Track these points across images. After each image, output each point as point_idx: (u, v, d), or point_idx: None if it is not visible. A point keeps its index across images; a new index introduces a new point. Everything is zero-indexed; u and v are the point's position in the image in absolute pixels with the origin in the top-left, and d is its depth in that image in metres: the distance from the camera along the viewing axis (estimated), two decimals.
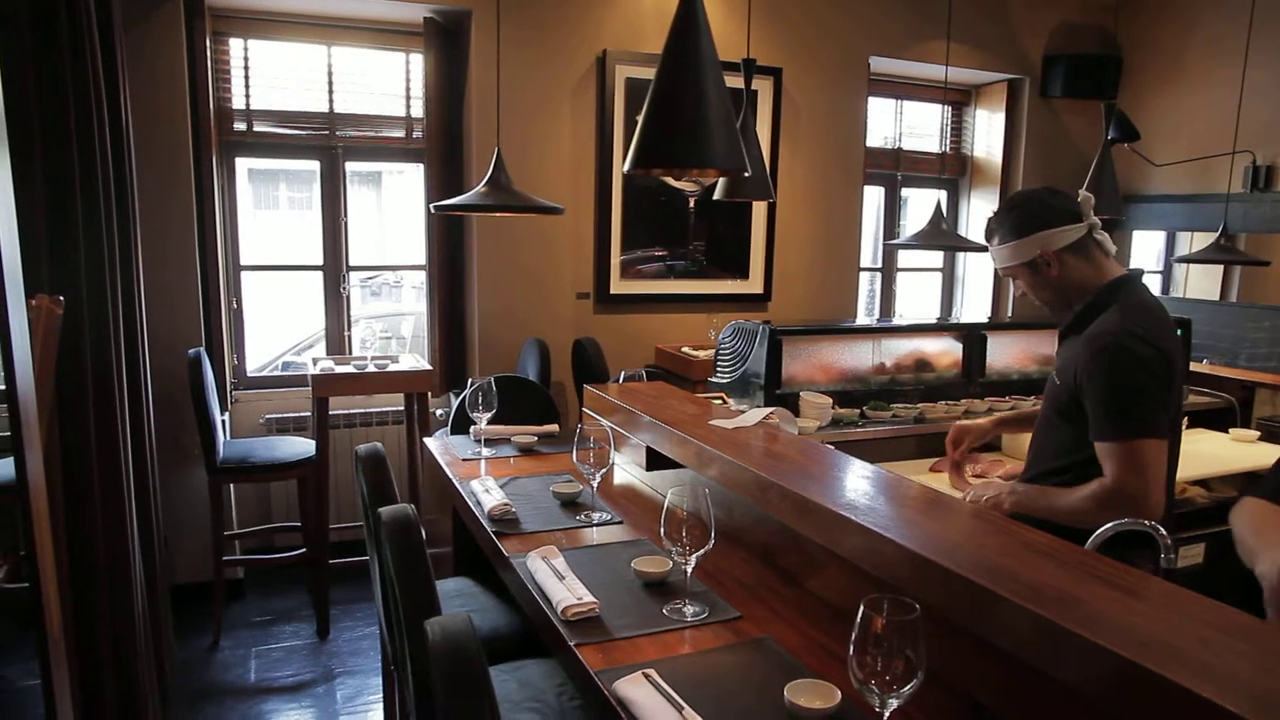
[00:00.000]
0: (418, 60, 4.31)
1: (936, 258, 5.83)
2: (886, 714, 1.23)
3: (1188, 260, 4.52)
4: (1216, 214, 5.05)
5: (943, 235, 3.43)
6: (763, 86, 4.69)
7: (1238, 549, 1.66)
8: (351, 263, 4.44)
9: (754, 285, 4.85)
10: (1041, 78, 5.47)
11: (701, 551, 1.75)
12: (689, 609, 1.74)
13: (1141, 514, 1.82)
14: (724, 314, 4.43)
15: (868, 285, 5.67)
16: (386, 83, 4.36)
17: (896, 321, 4.39)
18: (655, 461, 2.36)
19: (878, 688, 1.22)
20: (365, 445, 2.22)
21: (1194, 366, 4.70)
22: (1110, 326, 1.96)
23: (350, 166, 4.39)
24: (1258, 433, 3.63)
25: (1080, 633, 1.12)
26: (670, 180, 4.46)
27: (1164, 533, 1.58)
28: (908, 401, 3.24)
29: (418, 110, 4.37)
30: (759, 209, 4.80)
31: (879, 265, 5.66)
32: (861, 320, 5.19)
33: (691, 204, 4.60)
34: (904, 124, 5.64)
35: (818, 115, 4.91)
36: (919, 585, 1.37)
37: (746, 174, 1.54)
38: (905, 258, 5.78)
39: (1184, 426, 3.65)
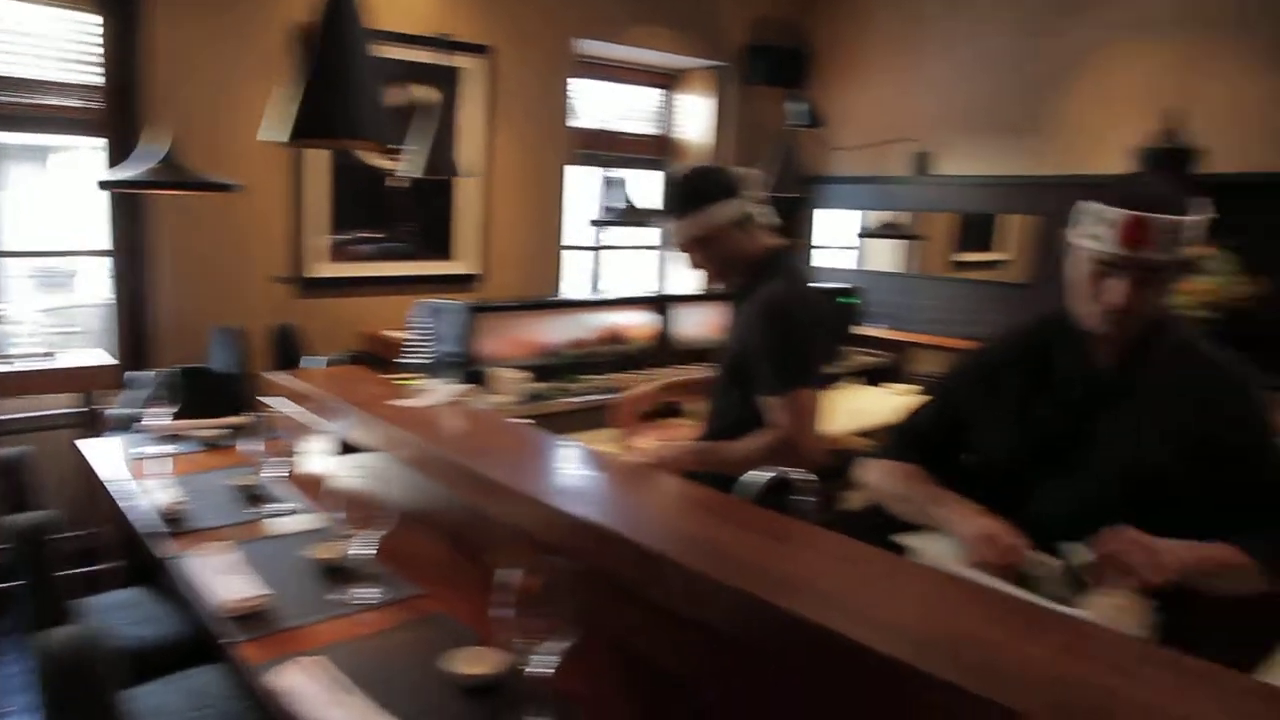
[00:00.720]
0: (93, 22, 3.85)
1: (654, 235, 6.06)
2: (540, 670, 1.27)
3: (863, 236, 5.01)
4: (892, 194, 5.62)
5: (637, 214, 3.57)
6: (475, 65, 4.65)
7: (892, 506, 1.83)
8: (12, 248, 3.93)
9: (469, 265, 4.81)
10: (745, 66, 5.80)
11: (380, 533, 1.72)
12: (366, 592, 1.71)
13: (806, 457, 2.00)
14: (439, 295, 4.36)
15: (591, 264, 5.79)
16: (54, 46, 3.86)
17: (589, 296, 4.48)
18: (348, 447, 2.29)
19: (529, 645, 1.25)
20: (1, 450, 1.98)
21: (869, 330, 5.26)
22: (774, 293, 2.13)
23: (9, 138, 3.85)
24: (913, 386, 4.09)
25: (733, 584, 1.17)
26: (367, 158, 4.31)
27: (810, 479, 1.74)
28: (604, 373, 3.36)
29: (92, 78, 3.91)
30: (471, 189, 4.75)
31: (597, 244, 5.80)
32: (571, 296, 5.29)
33: (404, 183, 4.47)
34: (620, 107, 5.80)
35: (529, 96, 4.93)
36: (597, 553, 1.39)
37: (389, 146, 1.52)
38: (624, 236, 5.97)
39: (864, 383, 4.13)
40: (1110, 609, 1.31)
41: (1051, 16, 4.92)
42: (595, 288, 5.81)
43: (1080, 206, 1.62)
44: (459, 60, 4.56)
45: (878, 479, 1.85)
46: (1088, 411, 1.65)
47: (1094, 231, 1.55)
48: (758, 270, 2.20)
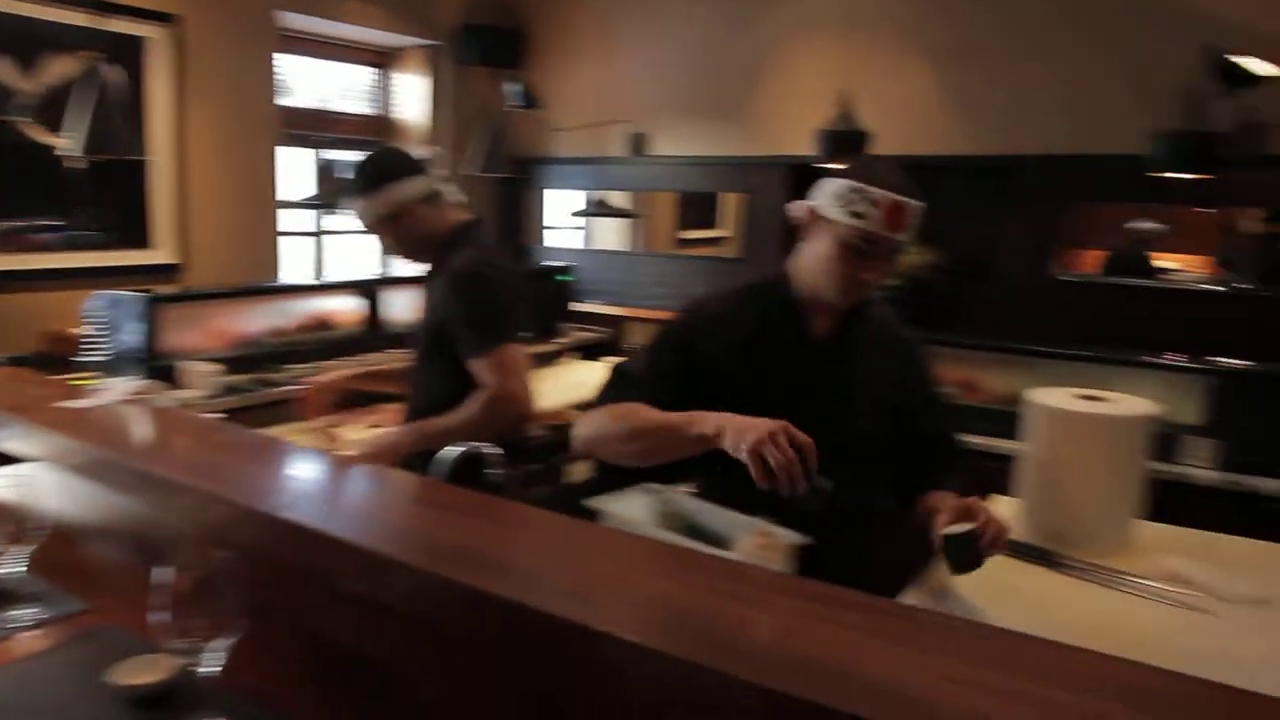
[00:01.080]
0: None
1: None
2: (208, 668, 1.21)
3: (576, 215, 5.15)
4: (611, 174, 5.78)
5: (336, 195, 3.45)
6: (160, 35, 4.26)
7: (618, 449, 1.76)
8: None
9: (166, 255, 4.41)
10: (459, 45, 5.73)
11: (30, 547, 1.57)
12: (20, 613, 1.55)
13: (522, 410, 2.07)
14: (136, 287, 3.97)
15: (314, 250, 5.50)
16: None
17: (287, 282, 4.27)
18: (5, 458, 2.05)
19: (197, 646, 1.19)
20: None
21: (590, 307, 5.45)
22: (465, 260, 2.19)
23: None
24: (625, 358, 4.30)
25: (407, 561, 1.17)
26: (33, 133, 3.85)
27: (497, 451, 1.77)
28: (309, 361, 3.24)
29: None
30: (165, 172, 4.37)
31: (319, 230, 5.52)
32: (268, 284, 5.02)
33: (80, 164, 4.02)
34: (333, 85, 5.56)
35: (227, 70, 4.59)
36: (274, 543, 1.35)
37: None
38: (350, 220, 5.73)
39: (581, 358, 4.24)
40: (756, 550, 1.44)
41: (747, 6, 5.27)
42: (319, 274, 5.55)
43: (831, 183, 1.69)
44: (140, 28, 4.18)
45: (595, 426, 1.78)
46: (806, 378, 1.76)
47: (857, 210, 1.63)
48: (447, 245, 2.24)
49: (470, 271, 2.16)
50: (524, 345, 2.19)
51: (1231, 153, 3.78)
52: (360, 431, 2.44)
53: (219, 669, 1.22)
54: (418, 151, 2.32)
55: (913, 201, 1.64)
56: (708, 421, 1.55)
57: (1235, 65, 3.48)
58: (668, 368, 1.78)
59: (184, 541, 1.52)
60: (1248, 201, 4.16)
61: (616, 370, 1.87)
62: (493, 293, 2.16)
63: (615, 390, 1.80)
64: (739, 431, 1.48)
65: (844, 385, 1.77)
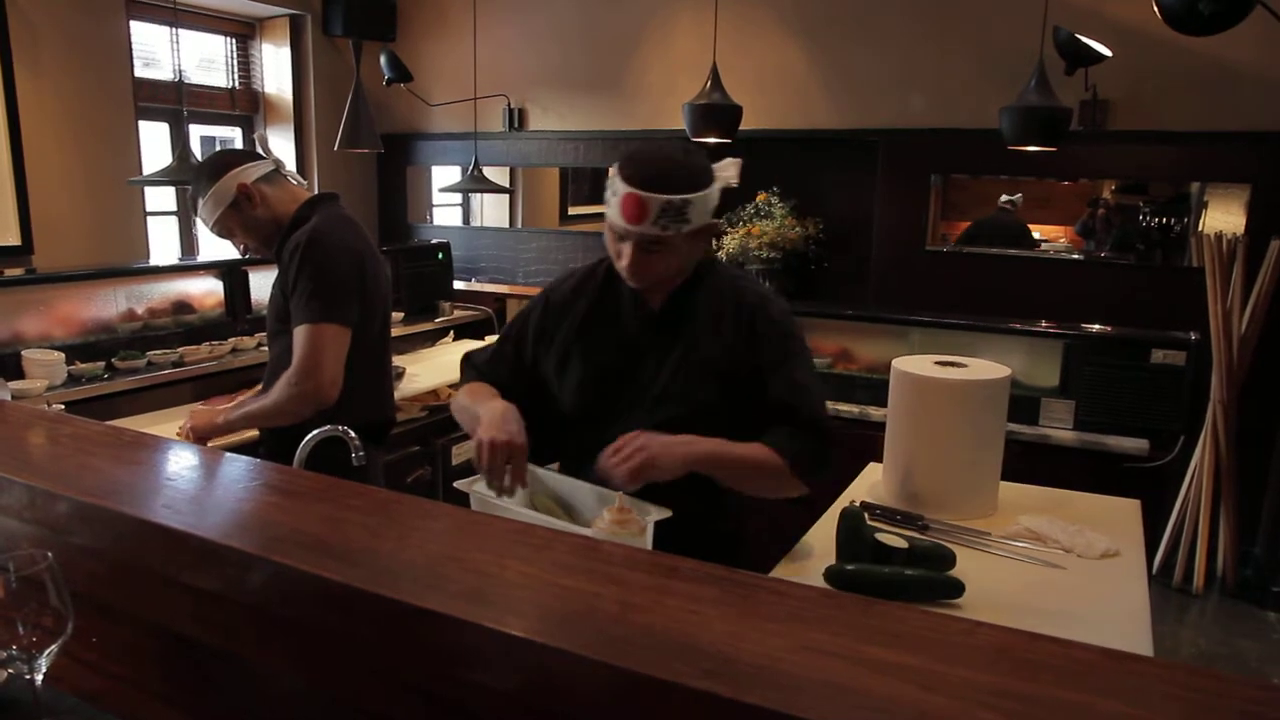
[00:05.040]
0: None
1: None
2: (39, 677, 1.13)
3: (447, 190, 5.05)
4: (488, 150, 5.66)
5: (189, 171, 3.27)
6: None
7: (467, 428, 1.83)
8: None
9: (7, 236, 4.09)
10: (325, 15, 5.49)
11: None
12: None
13: (320, 394, 2.03)
14: None
15: (184, 229, 5.22)
16: None
17: (141, 264, 4.01)
18: None
19: (24, 652, 1.11)
20: None
21: (473, 285, 5.37)
22: (302, 233, 2.16)
23: None
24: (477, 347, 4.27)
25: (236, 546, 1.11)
26: None
27: (353, 435, 1.71)
28: (167, 346, 3.08)
29: None
30: None
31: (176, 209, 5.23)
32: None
33: None
34: (191, 56, 5.24)
35: (66, 38, 4.27)
36: (115, 540, 1.26)
37: None
38: None
39: (463, 338, 4.08)
40: (613, 525, 1.43)
41: None
42: (188, 256, 5.25)
43: (611, 170, 1.65)
44: None
45: (455, 403, 1.86)
46: (640, 352, 1.74)
47: (608, 198, 1.62)
48: (298, 217, 2.21)
49: (303, 243, 2.13)
50: (342, 327, 2.12)
51: (1077, 128, 3.97)
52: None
53: (43, 673, 1.14)
54: (237, 150, 2.40)
55: (652, 195, 1.55)
56: (478, 421, 1.65)
57: (1081, 44, 3.64)
58: (507, 352, 1.87)
59: (12, 542, 1.42)
60: (1101, 174, 4.38)
61: (464, 357, 1.96)
62: (323, 267, 2.12)
63: (463, 377, 1.92)
64: (476, 434, 1.61)
65: (680, 358, 1.73)
